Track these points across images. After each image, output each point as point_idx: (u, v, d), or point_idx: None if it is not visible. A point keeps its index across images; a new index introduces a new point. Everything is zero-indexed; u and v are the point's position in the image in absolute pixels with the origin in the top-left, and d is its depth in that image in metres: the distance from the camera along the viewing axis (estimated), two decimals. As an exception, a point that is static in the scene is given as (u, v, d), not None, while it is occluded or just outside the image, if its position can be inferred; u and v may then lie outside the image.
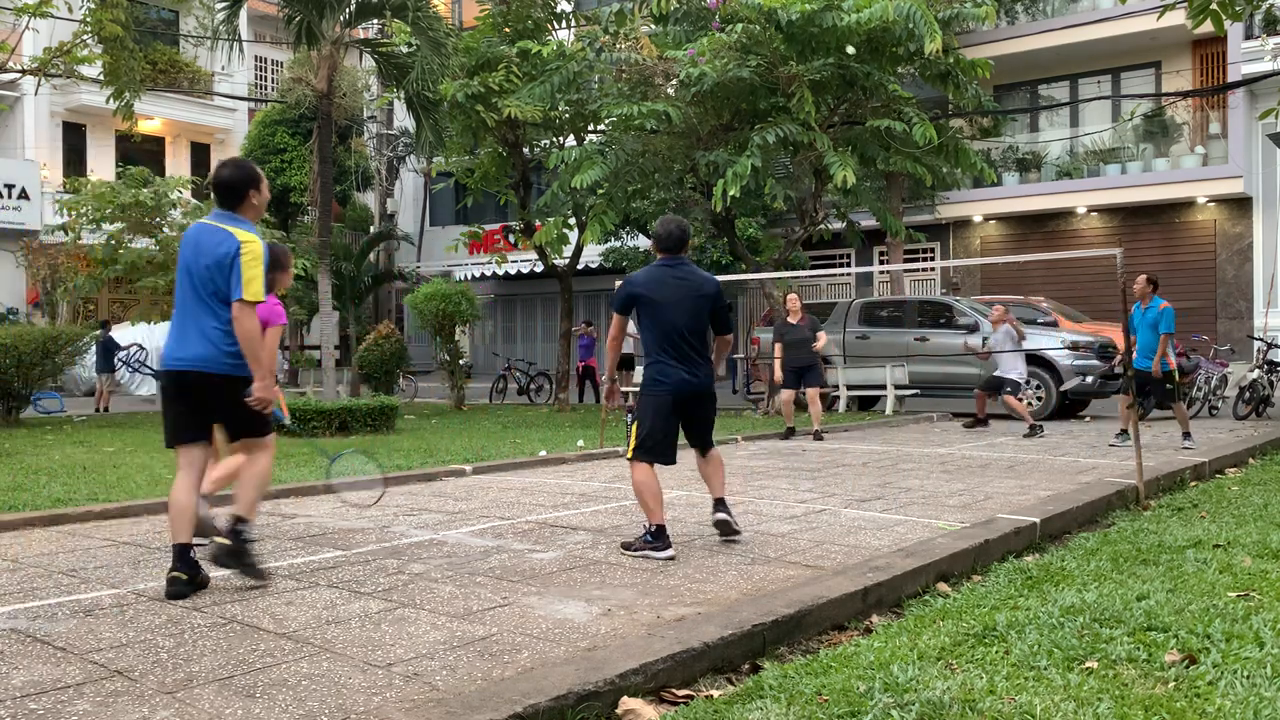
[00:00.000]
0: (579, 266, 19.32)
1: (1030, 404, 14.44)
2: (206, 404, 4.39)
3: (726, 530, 5.41)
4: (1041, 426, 12.21)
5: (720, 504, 5.47)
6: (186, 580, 4.28)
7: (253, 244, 4.28)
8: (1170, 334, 10.30)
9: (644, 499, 5.15)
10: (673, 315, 5.24)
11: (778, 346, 12.32)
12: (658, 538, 5.06)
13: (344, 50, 16.26)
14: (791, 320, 12.31)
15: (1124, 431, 10.51)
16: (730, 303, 24.62)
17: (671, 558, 5.00)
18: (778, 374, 12.35)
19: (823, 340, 12.21)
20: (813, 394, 12.16)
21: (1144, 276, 10.60)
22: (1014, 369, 12.44)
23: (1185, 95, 19.98)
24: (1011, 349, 12.39)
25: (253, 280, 4.23)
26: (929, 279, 23.12)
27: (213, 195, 4.48)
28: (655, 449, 5.27)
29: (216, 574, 4.71)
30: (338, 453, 6.71)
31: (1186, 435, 10.29)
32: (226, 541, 4.36)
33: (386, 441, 10.84)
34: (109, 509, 6.34)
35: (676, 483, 7.72)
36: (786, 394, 12.13)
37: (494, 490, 7.63)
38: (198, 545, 4.45)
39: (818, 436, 11.91)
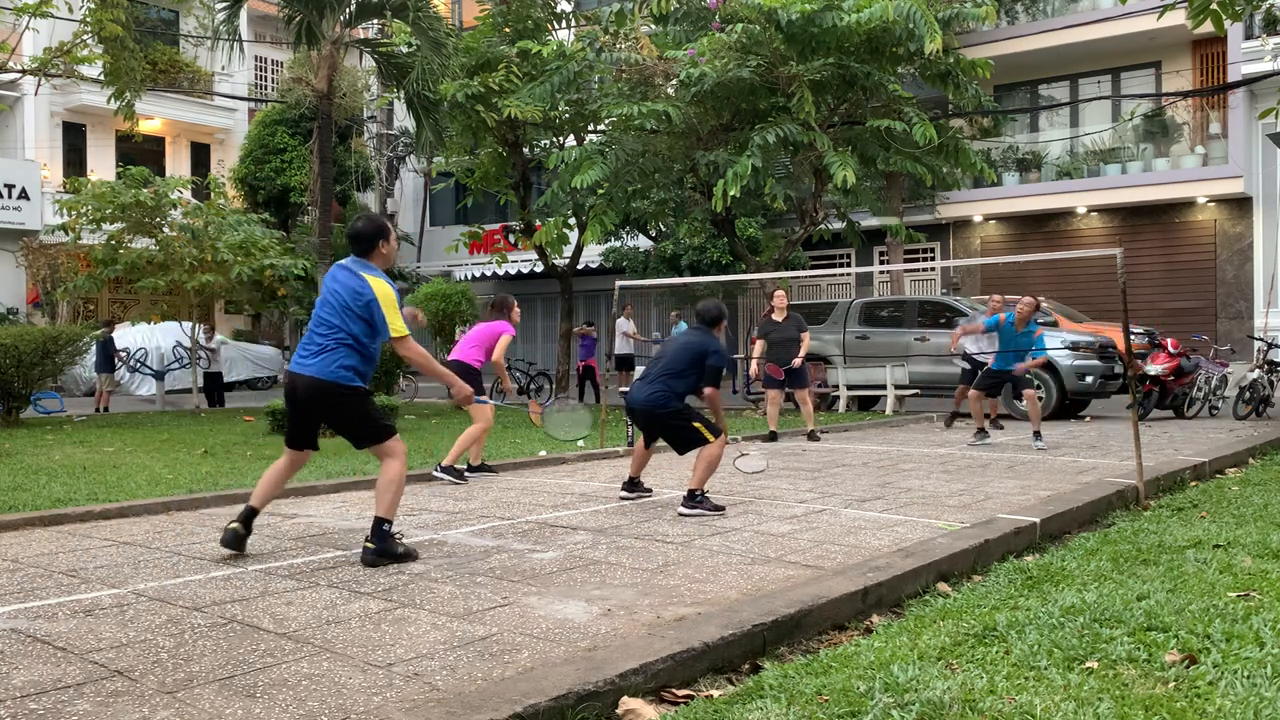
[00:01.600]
0: (579, 266, 19.34)
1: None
2: (311, 412, 5.16)
3: (685, 516, 6.37)
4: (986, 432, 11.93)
5: (688, 495, 6.43)
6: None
7: (383, 288, 5.03)
8: (1041, 357, 11.12)
9: (633, 457, 7.16)
10: (667, 354, 6.76)
11: (759, 344, 12.00)
12: (625, 485, 7.11)
13: (344, 50, 16.26)
14: (776, 318, 11.96)
15: (982, 430, 11.10)
16: (730, 303, 24.68)
17: (623, 498, 7.01)
18: (754, 370, 12.23)
19: (806, 342, 11.82)
20: (802, 395, 12.03)
21: (1030, 299, 11.04)
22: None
23: (1185, 95, 19.99)
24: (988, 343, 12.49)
25: (392, 320, 5.02)
26: (929, 279, 23.12)
27: (349, 244, 5.22)
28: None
29: (218, 573, 4.72)
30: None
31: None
32: (370, 545, 4.96)
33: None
34: (109, 509, 6.34)
35: (676, 482, 7.74)
36: (773, 394, 11.99)
37: (494, 490, 7.64)
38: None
39: (813, 437, 11.84)
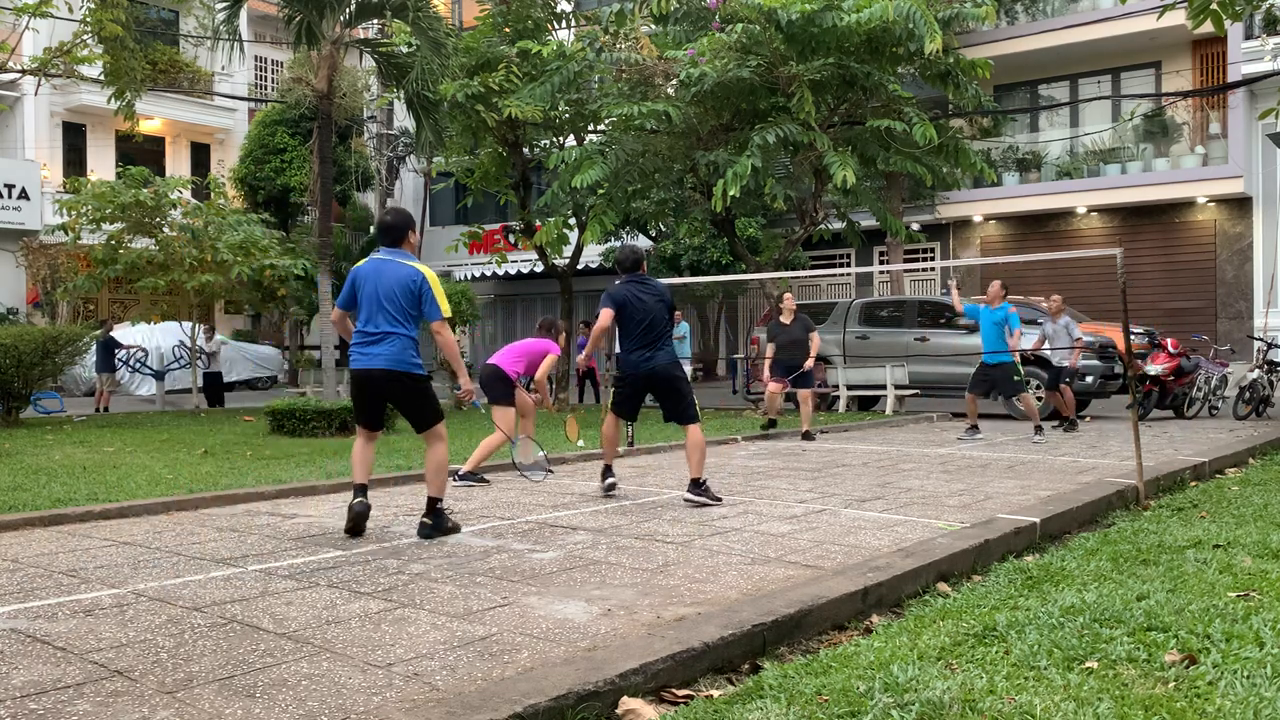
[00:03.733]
0: (579, 266, 19.33)
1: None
2: (384, 398, 5.70)
3: (692, 504, 6.61)
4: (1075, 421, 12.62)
5: (693, 484, 6.64)
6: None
7: (430, 273, 5.52)
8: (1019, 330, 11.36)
9: (605, 441, 7.22)
10: (648, 318, 6.88)
11: (770, 347, 12.17)
12: (603, 474, 7.19)
13: (344, 50, 16.27)
14: (785, 320, 12.08)
15: (974, 427, 11.61)
16: (730, 303, 24.67)
17: (610, 486, 7.13)
18: (764, 374, 12.36)
19: (815, 343, 11.90)
20: (804, 394, 12.07)
21: (999, 282, 11.53)
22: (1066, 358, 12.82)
23: (1185, 95, 19.98)
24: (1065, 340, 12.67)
25: (442, 302, 5.49)
26: (929, 279, 23.12)
27: (378, 235, 5.68)
28: (620, 407, 7.14)
29: (218, 573, 4.71)
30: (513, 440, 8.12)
31: (1038, 429, 11.20)
32: (428, 520, 5.60)
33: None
34: (109, 509, 6.34)
35: (675, 483, 7.74)
36: (774, 385, 12.03)
37: (494, 490, 7.64)
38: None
39: (808, 436, 11.85)
